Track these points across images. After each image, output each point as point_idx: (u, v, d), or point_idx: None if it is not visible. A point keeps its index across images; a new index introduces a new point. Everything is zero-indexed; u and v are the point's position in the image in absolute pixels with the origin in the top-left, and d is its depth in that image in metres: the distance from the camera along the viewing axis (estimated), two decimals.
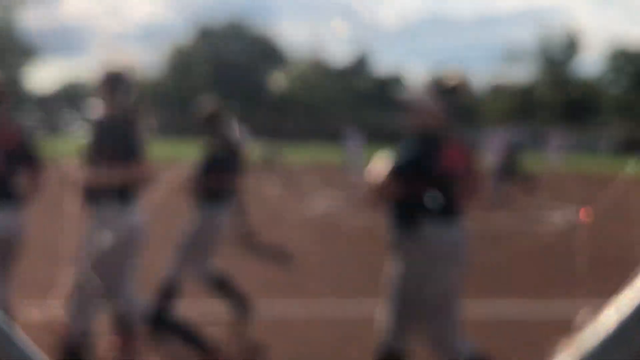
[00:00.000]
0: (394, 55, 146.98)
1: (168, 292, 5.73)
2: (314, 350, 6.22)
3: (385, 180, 3.99)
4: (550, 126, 44.34)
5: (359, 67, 75.96)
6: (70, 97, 56.84)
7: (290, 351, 6.20)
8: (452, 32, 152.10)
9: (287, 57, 79.42)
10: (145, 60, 71.36)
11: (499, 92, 61.11)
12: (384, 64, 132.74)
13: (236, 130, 7.85)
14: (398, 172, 3.98)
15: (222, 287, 5.97)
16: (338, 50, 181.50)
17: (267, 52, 77.01)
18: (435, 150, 4.11)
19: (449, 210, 4.08)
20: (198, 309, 6.46)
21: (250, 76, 72.47)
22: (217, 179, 6.03)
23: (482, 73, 74.54)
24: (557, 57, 65.89)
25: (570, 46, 65.76)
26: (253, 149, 14.66)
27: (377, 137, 24.66)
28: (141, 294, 5.48)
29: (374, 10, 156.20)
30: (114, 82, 5.08)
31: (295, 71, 75.20)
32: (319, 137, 47.92)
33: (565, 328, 1.06)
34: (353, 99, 68.13)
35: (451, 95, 4.36)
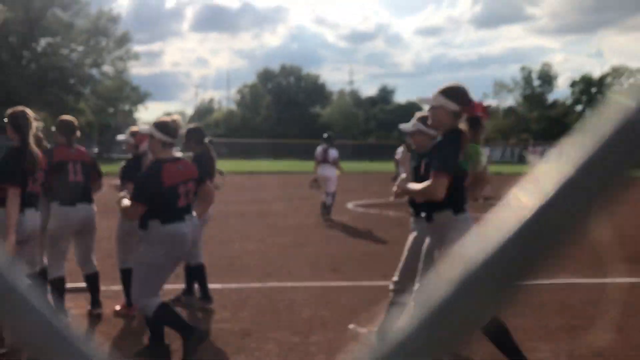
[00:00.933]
0: (410, 87, 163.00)
1: None
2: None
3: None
4: (532, 140, 48.25)
5: (384, 97, 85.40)
6: None
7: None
8: (455, 69, 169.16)
9: (330, 92, 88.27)
10: (222, 97, 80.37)
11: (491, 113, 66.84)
12: (402, 94, 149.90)
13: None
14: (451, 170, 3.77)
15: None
16: (368, 85, 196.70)
17: (315, 89, 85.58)
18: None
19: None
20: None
21: (302, 107, 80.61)
22: None
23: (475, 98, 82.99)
24: (536, 86, 75.59)
25: (546, 76, 75.27)
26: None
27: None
28: None
29: (396, 55, 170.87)
30: (193, 133, 6.19)
31: (335, 102, 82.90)
32: (360, 155, 55.75)
33: None
34: (378, 123, 76.88)
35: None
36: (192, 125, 6.39)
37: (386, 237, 10.53)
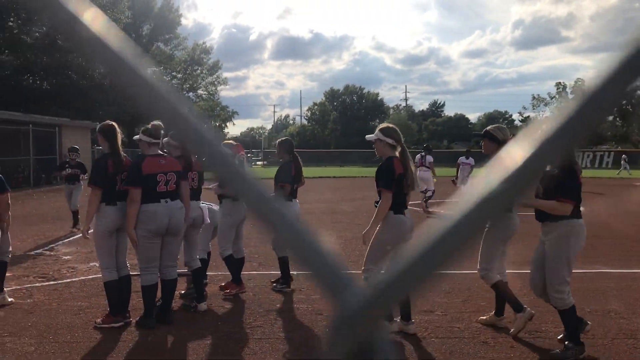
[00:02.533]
0: (458, 102, 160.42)
1: None
2: None
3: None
4: None
5: (434, 111, 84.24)
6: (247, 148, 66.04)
7: None
8: (497, 85, 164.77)
9: (387, 107, 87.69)
10: (296, 113, 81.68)
11: (529, 122, 64.57)
12: (451, 108, 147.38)
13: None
14: None
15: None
16: (420, 101, 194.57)
17: (374, 105, 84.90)
18: None
19: None
20: None
21: (363, 121, 79.56)
22: None
23: (515, 112, 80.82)
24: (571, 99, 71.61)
25: (579, 90, 71.34)
26: None
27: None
28: None
29: (445, 75, 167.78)
30: (283, 144, 6.34)
31: (392, 116, 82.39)
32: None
33: None
34: (430, 134, 75.45)
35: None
36: (282, 138, 6.54)
37: None
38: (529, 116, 64.48)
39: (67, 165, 11.09)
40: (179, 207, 5.08)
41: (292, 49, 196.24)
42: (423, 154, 14.22)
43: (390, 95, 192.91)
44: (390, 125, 4.95)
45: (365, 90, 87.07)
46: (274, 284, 6.28)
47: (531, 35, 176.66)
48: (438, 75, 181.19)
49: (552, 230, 4.18)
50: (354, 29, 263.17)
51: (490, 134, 4.76)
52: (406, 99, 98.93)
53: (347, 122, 78.77)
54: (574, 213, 4.07)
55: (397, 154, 4.67)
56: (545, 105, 71.82)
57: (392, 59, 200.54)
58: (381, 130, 4.73)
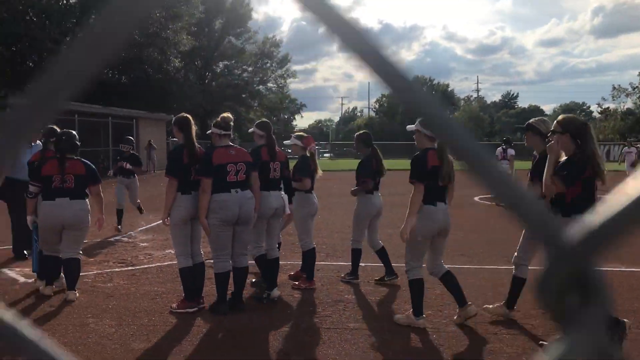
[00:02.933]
0: (533, 93, 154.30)
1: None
2: None
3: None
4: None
5: (507, 103, 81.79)
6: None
7: None
8: (574, 76, 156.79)
9: (457, 99, 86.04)
10: (364, 106, 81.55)
11: (608, 113, 60.84)
12: (525, 99, 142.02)
13: None
14: None
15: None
16: (493, 92, 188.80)
17: (444, 96, 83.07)
18: None
19: None
20: None
21: None
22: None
23: (594, 103, 76.67)
24: None
25: None
26: None
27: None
28: None
29: (519, 65, 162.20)
30: (361, 137, 6.31)
31: (463, 108, 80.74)
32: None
33: None
34: (503, 126, 73.17)
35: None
36: (361, 131, 6.54)
37: (508, 227, 10.07)
38: (608, 107, 61.03)
39: (118, 158, 10.39)
40: (249, 197, 5.18)
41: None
42: (504, 147, 13.89)
43: (461, 86, 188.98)
44: None
45: (435, 82, 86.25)
46: (343, 276, 6.31)
47: (612, 22, 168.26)
48: (511, 66, 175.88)
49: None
50: (424, 19, 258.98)
51: (533, 126, 4.75)
52: (478, 90, 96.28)
53: (417, 114, 77.18)
54: (587, 207, 3.93)
55: (435, 145, 4.64)
56: (627, 96, 67.95)
57: (463, 49, 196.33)
58: (420, 121, 4.66)
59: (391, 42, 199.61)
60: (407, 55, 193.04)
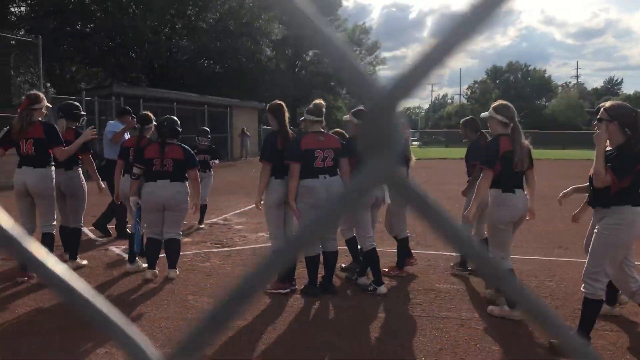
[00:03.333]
0: (639, 78, 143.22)
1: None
2: None
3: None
4: None
5: (610, 89, 76.86)
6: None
7: None
8: None
9: (555, 85, 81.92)
10: (455, 92, 79.53)
11: None
12: (630, 86, 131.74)
13: None
14: None
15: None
16: (594, 78, 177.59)
17: (540, 83, 79.88)
18: None
19: None
20: None
21: (528, 100, 75.20)
22: None
23: None
24: None
25: None
26: None
27: None
28: None
29: (624, 49, 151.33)
30: (468, 123, 6.20)
31: (560, 95, 76.84)
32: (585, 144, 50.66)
33: None
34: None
35: None
36: (467, 117, 6.42)
37: None
38: None
39: (195, 151, 8.37)
40: (338, 183, 5.22)
41: None
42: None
43: (559, 72, 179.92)
44: (504, 102, 4.80)
45: (531, 68, 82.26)
46: (452, 265, 6.17)
47: None
48: (616, 50, 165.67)
49: (604, 216, 3.91)
50: (521, 2, 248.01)
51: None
52: (577, 76, 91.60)
53: (510, 101, 71.71)
54: (629, 199, 3.81)
55: (509, 131, 4.60)
56: None
57: (562, 34, 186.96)
58: (494, 107, 4.71)
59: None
60: (501, 41, 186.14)
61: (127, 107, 8.52)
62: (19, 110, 5.59)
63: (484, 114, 4.95)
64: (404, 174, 0.41)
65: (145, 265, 5.94)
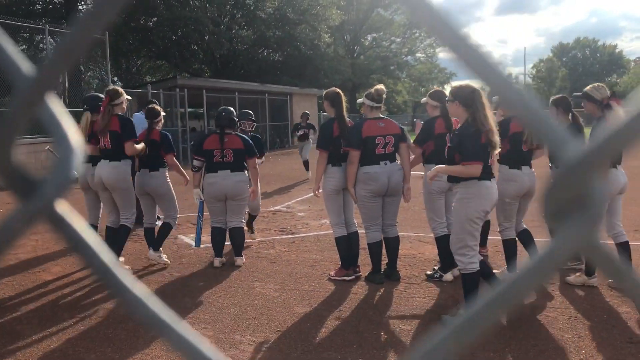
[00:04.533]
0: None
1: None
2: None
3: None
4: None
5: None
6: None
7: None
8: None
9: (627, 60, 78.06)
10: (519, 72, 77.24)
11: None
12: None
13: None
14: None
15: None
16: None
17: (611, 59, 76.54)
18: None
19: None
20: None
21: (598, 77, 72.26)
22: None
23: None
24: None
25: None
26: None
27: None
28: None
29: None
30: (559, 103, 5.19)
31: (633, 70, 73.30)
32: None
33: None
34: None
35: None
36: (558, 95, 5.52)
37: None
38: None
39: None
40: (398, 169, 5.17)
41: (517, 2, 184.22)
42: None
43: (632, 47, 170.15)
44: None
45: (600, 43, 78.69)
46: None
47: None
48: None
49: (456, 191, 4.20)
50: None
51: (588, 94, 4.82)
52: None
53: (578, 79, 70.73)
54: (483, 174, 4.03)
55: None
56: None
57: (636, 5, 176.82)
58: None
59: (551, 1, 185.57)
60: (569, 17, 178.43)
61: (154, 100, 8.70)
62: (101, 108, 5.63)
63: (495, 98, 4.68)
64: (601, 240, 0.39)
65: (166, 260, 6.00)
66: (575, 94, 5.41)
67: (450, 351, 0.38)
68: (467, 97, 4.09)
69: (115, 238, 5.76)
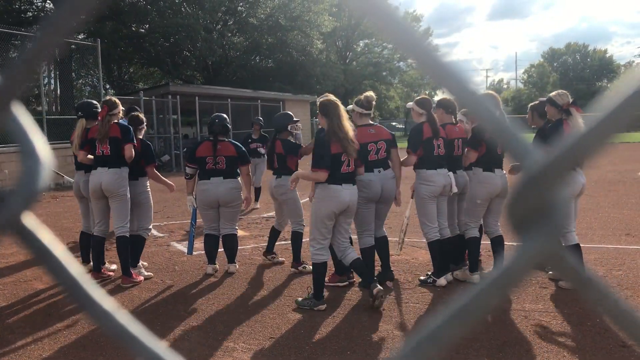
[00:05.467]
0: None
1: None
2: None
3: None
4: None
5: None
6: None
7: None
8: None
9: (617, 65, 78.55)
10: (511, 77, 77.77)
11: None
12: None
13: None
14: None
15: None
16: None
17: (601, 64, 76.82)
18: None
19: None
20: None
21: (588, 82, 72.87)
22: None
23: None
24: None
25: None
26: None
27: None
28: None
29: None
30: (537, 108, 5.41)
31: (623, 75, 73.62)
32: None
33: None
34: None
35: None
36: (536, 102, 5.62)
37: None
38: None
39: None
40: (391, 177, 5.18)
41: (508, 8, 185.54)
42: None
43: (622, 52, 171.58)
44: (490, 92, 5.28)
45: (590, 48, 78.96)
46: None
47: None
48: None
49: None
50: None
51: (552, 99, 5.07)
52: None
53: (569, 84, 70.38)
54: (331, 179, 4.57)
55: None
56: None
57: (625, 11, 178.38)
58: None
59: (543, 7, 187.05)
60: (559, 22, 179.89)
61: (136, 107, 8.57)
62: (99, 118, 5.60)
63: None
64: (564, 251, 0.39)
65: (147, 273, 5.88)
66: (540, 99, 5.56)
67: None
68: (321, 108, 4.69)
69: (98, 248, 5.74)
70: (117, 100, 5.78)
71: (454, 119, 5.49)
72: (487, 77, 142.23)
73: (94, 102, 6.23)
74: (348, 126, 4.60)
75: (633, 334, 0.40)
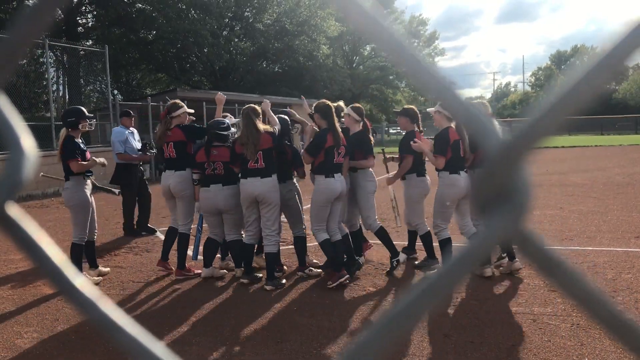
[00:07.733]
0: None
1: None
2: None
3: None
4: None
5: None
6: None
7: None
8: None
9: (626, 67, 78.08)
10: (518, 80, 77.33)
11: None
12: None
13: None
14: None
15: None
16: None
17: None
18: None
19: None
20: None
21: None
22: None
23: None
24: None
25: None
26: None
27: None
28: None
29: None
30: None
31: (632, 77, 73.41)
32: None
33: None
34: None
35: None
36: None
37: None
38: None
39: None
40: (343, 180, 5.59)
41: (516, 11, 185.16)
42: None
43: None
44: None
45: (598, 49, 78.76)
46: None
47: None
48: None
49: None
50: None
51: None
52: None
53: None
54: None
55: (452, 125, 5.42)
56: None
57: (634, 12, 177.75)
58: (440, 104, 5.25)
59: (551, 10, 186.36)
60: (568, 24, 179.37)
61: (127, 110, 8.65)
62: (160, 118, 6.05)
63: (430, 109, 5.74)
64: (529, 230, 0.40)
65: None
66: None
67: (378, 349, 0.38)
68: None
69: (183, 243, 6.05)
70: (179, 102, 6.08)
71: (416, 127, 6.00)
72: (494, 80, 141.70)
73: (80, 107, 6.01)
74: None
75: (598, 317, 0.41)
